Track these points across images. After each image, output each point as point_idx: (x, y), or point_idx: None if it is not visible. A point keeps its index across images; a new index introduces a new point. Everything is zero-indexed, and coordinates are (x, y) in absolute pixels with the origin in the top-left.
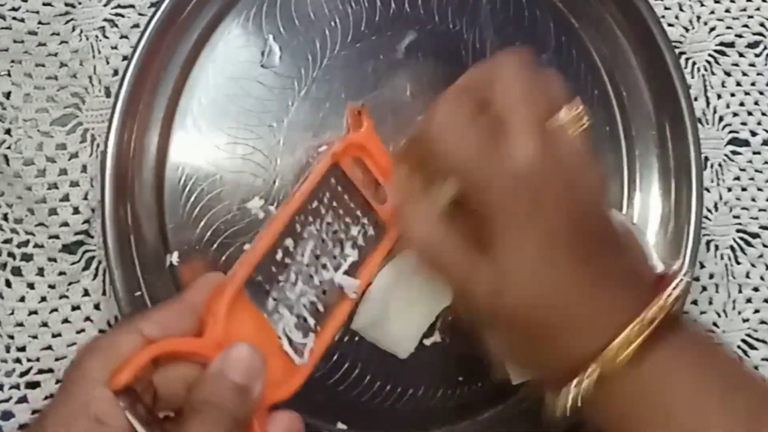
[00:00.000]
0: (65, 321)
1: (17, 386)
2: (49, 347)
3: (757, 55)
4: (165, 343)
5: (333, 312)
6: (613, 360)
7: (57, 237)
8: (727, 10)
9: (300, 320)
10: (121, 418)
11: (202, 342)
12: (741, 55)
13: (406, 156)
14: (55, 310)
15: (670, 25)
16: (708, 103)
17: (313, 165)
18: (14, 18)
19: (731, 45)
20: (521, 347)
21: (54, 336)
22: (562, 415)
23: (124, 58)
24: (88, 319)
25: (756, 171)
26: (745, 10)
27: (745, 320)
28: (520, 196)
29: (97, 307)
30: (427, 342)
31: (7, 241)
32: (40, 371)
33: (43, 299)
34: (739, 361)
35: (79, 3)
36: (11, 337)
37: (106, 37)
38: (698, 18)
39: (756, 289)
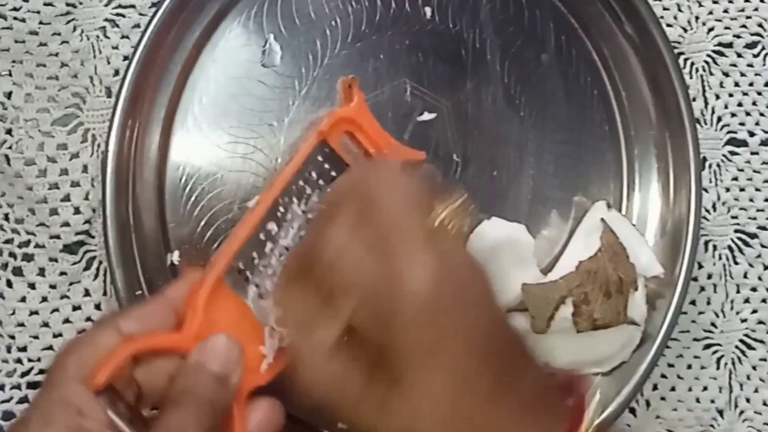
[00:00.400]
0: (66, 321)
1: (18, 386)
2: (50, 347)
3: (755, 56)
4: (143, 339)
5: None
6: None
7: (58, 237)
8: (726, 11)
9: None
10: (103, 412)
11: (181, 336)
12: (739, 55)
13: (295, 276)
14: (56, 310)
15: (668, 25)
16: (706, 104)
17: (300, 143)
18: (15, 18)
19: (729, 45)
20: None
21: (55, 336)
22: None
23: (125, 58)
24: (89, 319)
25: (754, 171)
26: (743, 10)
27: (743, 320)
28: (425, 326)
29: (98, 307)
30: None
31: (8, 241)
32: (41, 371)
33: (44, 299)
34: None
35: (80, 3)
36: (12, 337)
37: (107, 37)
38: (696, 18)
39: (754, 290)
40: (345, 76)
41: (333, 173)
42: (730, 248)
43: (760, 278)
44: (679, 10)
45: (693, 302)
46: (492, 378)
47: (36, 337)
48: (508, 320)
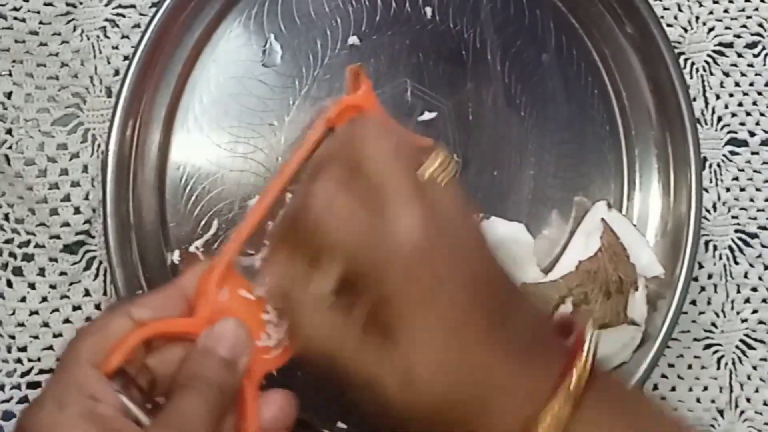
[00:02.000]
0: (66, 321)
1: (18, 386)
2: (50, 347)
3: (755, 56)
4: (155, 325)
5: None
6: None
7: (58, 237)
8: (726, 11)
9: None
10: (116, 397)
11: (193, 321)
12: (739, 55)
13: (282, 237)
14: (56, 310)
15: (669, 25)
16: (706, 104)
17: (307, 132)
18: (15, 18)
19: (730, 45)
20: None
21: (55, 336)
22: None
23: (125, 58)
24: (89, 319)
25: (754, 171)
26: (743, 10)
27: (744, 320)
28: (414, 276)
29: (98, 307)
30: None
31: (8, 241)
32: (42, 371)
33: (44, 299)
34: (660, 405)
35: (81, 3)
36: (12, 337)
37: (108, 37)
38: (697, 18)
39: (754, 290)
40: (345, 76)
41: None
42: (730, 248)
43: (760, 278)
44: (680, 10)
45: (693, 302)
46: (485, 320)
47: (36, 337)
48: (500, 265)
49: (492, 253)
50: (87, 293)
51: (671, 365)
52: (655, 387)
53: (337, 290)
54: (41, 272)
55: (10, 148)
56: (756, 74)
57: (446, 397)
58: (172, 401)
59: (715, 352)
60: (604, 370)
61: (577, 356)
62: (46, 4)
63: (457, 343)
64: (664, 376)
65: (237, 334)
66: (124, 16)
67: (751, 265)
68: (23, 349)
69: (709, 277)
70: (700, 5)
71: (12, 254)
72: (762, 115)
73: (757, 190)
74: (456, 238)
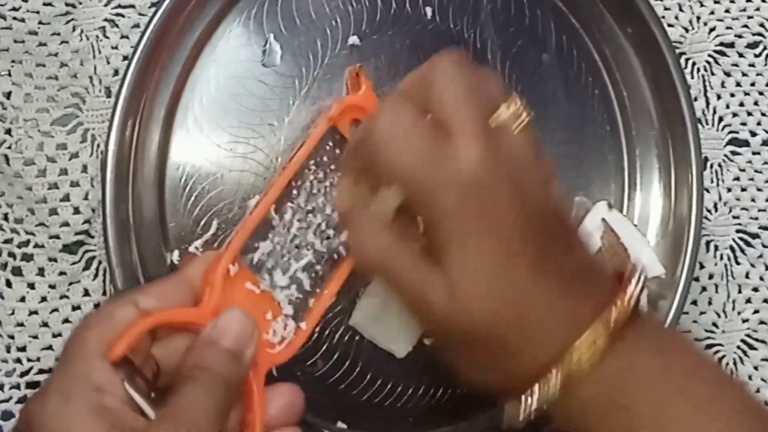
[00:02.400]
0: (66, 321)
1: (17, 386)
2: (50, 347)
3: (756, 56)
4: (161, 314)
5: (331, 275)
6: (577, 364)
7: (57, 237)
8: (727, 11)
9: (298, 284)
10: (122, 387)
11: (199, 311)
12: (741, 55)
13: (349, 164)
14: (56, 310)
15: (669, 25)
16: (708, 104)
17: (310, 130)
18: (15, 18)
19: (731, 45)
20: (480, 358)
21: (54, 336)
22: (526, 421)
23: (125, 58)
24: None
25: (755, 171)
26: (744, 10)
27: (745, 320)
28: (468, 202)
29: (97, 307)
30: (427, 341)
31: (7, 241)
32: (41, 371)
33: (44, 299)
34: (695, 347)
35: (80, 3)
36: (12, 337)
37: (107, 37)
38: (698, 18)
39: (755, 290)
40: (345, 77)
41: None
42: (731, 248)
43: (761, 278)
44: (681, 10)
45: (694, 302)
46: (536, 254)
47: (35, 337)
48: (561, 212)
49: (554, 199)
50: (86, 293)
51: None
52: None
53: (397, 214)
54: (40, 272)
55: (9, 148)
56: (757, 74)
57: (488, 316)
58: (178, 394)
59: (716, 352)
60: (647, 312)
61: (619, 293)
62: (45, 4)
63: (504, 270)
64: None
65: (243, 324)
66: (123, 16)
67: (753, 266)
68: (22, 349)
69: (710, 277)
70: (701, 5)
71: (11, 254)
72: (763, 115)
73: (759, 190)
74: (517, 179)
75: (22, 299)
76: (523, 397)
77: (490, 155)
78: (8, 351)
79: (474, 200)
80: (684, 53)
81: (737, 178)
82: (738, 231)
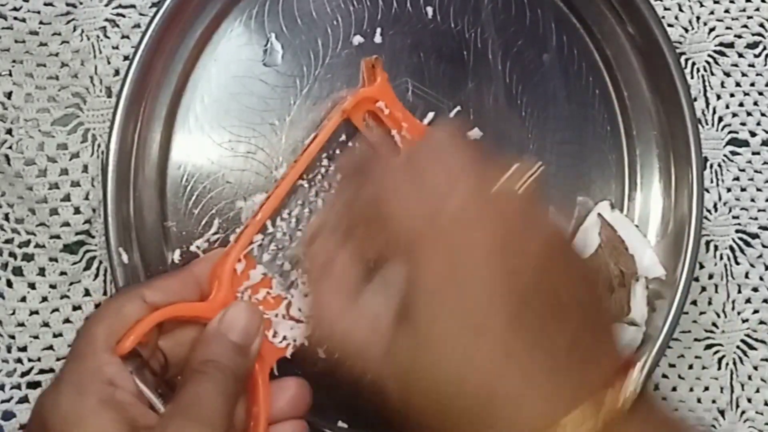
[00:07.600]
0: (66, 321)
1: (18, 386)
2: (51, 347)
3: (756, 56)
4: (169, 308)
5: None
6: None
7: (58, 237)
8: (727, 11)
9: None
10: (132, 381)
11: (206, 305)
12: (740, 55)
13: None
14: (57, 310)
15: (669, 25)
16: (707, 104)
17: (323, 122)
18: (15, 18)
19: (731, 45)
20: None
21: (55, 336)
22: None
23: (126, 58)
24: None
25: (755, 171)
26: (744, 10)
27: (745, 321)
28: (444, 249)
29: (98, 306)
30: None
31: (8, 241)
32: (42, 371)
33: (45, 299)
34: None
35: (81, 3)
36: (12, 337)
37: (108, 37)
38: (698, 18)
39: (755, 290)
40: (346, 76)
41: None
42: (731, 248)
43: (761, 278)
44: (681, 10)
45: (694, 302)
46: (506, 322)
47: (36, 337)
48: (576, 284)
49: (556, 263)
50: (87, 293)
51: (672, 365)
52: (656, 387)
53: (370, 274)
54: (41, 272)
55: (10, 148)
56: (757, 74)
57: (449, 394)
58: (186, 387)
59: (716, 352)
60: (651, 396)
61: (619, 375)
62: (46, 4)
63: (473, 336)
64: (665, 376)
65: (249, 318)
66: (124, 16)
67: (752, 266)
68: (23, 349)
69: (710, 277)
70: (701, 5)
71: (12, 254)
72: (763, 115)
73: (758, 190)
74: (502, 236)
75: (23, 299)
76: None
77: (478, 205)
78: (9, 351)
79: (448, 248)
80: (684, 53)
81: (737, 178)
82: (738, 231)
